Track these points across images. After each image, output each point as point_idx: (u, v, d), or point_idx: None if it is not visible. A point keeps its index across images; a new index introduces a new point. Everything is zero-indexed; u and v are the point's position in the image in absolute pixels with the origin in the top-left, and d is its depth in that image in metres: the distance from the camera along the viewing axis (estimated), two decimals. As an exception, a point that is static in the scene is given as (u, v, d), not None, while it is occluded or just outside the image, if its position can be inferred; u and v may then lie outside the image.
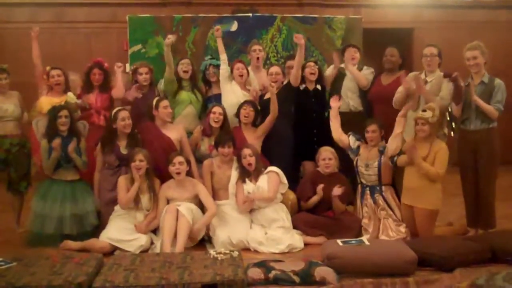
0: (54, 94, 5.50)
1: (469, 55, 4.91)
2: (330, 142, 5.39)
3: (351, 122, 5.55)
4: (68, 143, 5.03)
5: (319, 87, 5.73)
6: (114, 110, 5.19)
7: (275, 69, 5.62)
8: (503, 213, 5.19)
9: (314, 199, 5.11)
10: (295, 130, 5.56)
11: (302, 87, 5.66)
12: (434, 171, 4.73)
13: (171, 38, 5.61)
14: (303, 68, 5.64)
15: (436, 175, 4.74)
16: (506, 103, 4.88)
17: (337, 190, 4.99)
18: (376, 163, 5.11)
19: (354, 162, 5.26)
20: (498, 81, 4.88)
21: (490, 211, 4.92)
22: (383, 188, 5.13)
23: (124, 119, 5.10)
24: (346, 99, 5.76)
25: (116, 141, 5.17)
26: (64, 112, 5.05)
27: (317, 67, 5.70)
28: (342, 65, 5.88)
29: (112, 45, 8.16)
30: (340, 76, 5.86)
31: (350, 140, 5.28)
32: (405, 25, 9.11)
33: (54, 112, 5.06)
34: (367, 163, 5.15)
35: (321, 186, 5.05)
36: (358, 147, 5.25)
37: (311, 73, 5.63)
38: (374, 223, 5.01)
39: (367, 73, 5.81)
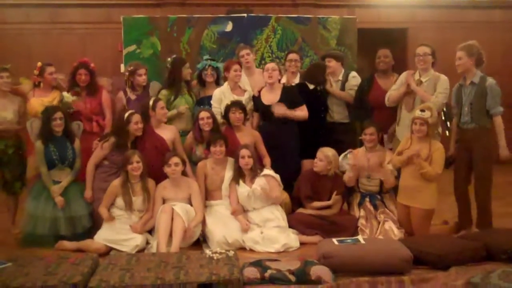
0: (42, 93, 5.45)
1: (458, 55, 4.94)
2: (333, 142, 5.45)
3: (338, 133, 5.64)
4: (63, 144, 5.05)
5: (322, 87, 5.74)
6: (127, 114, 5.13)
7: (271, 65, 5.55)
8: (498, 211, 5.20)
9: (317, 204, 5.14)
10: (301, 130, 5.53)
11: (311, 86, 5.66)
12: (435, 174, 4.75)
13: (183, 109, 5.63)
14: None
15: (436, 176, 4.77)
16: (502, 102, 4.89)
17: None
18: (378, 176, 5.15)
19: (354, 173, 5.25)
20: (489, 81, 4.87)
21: (486, 210, 4.93)
22: (384, 195, 5.19)
23: (137, 123, 5.10)
24: (332, 112, 5.79)
25: (127, 141, 5.17)
26: (59, 114, 5.04)
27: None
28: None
29: (106, 46, 8.14)
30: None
31: (341, 164, 5.31)
32: (400, 25, 9.13)
33: (48, 114, 5.04)
34: (369, 175, 5.17)
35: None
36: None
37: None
38: (371, 224, 5.00)
39: (352, 84, 5.80)
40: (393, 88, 5.35)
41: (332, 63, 5.80)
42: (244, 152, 5.07)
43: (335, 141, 5.53)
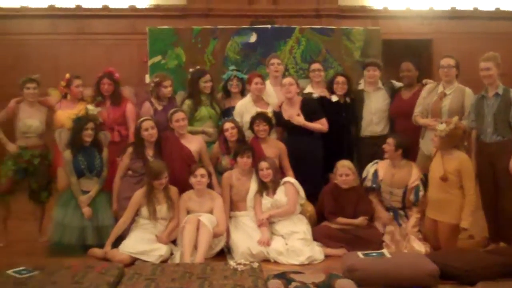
0: (69, 105, 5.52)
1: (482, 66, 4.88)
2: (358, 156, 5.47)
3: (374, 146, 5.56)
4: (91, 154, 5.14)
5: (348, 99, 5.75)
6: (139, 121, 5.25)
7: (287, 80, 5.56)
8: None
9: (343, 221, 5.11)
10: (326, 144, 5.53)
11: (334, 99, 5.65)
12: (474, 197, 4.75)
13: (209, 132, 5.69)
14: (332, 81, 5.66)
15: (474, 197, 4.75)
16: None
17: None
18: (401, 192, 5.10)
19: (377, 187, 5.23)
20: None
21: (512, 224, 4.87)
22: (408, 211, 5.13)
23: (147, 129, 5.16)
24: (369, 125, 5.72)
25: (144, 149, 5.22)
26: (91, 125, 5.12)
27: (346, 80, 5.69)
28: (361, 87, 5.86)
29: (132, 57, 8.21)
30: (360, 98, 5.79)
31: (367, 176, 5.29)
32: (424, 36, 9.06)
33: (80, 124, 5.11)
34: (391, 191, 5.13)
35: None
36: (375, 172, 5.23)
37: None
38: (397, 240, 4.96)
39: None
40: (417, 111, 5.33)
41: (376, 72, 5.76)
42: (262, 164, 5.09)
43: (370, 154, 5.52)
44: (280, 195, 5.09)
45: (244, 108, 5.58)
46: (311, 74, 5.96)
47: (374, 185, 5.21)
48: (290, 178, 5.18)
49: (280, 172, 5.26)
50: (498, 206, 4.87)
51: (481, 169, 4.94)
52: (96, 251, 4.89)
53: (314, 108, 5.53)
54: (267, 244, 4.84)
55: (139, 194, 4.98)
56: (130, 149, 5.24)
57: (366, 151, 5.67)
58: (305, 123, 5.42)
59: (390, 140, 5.13)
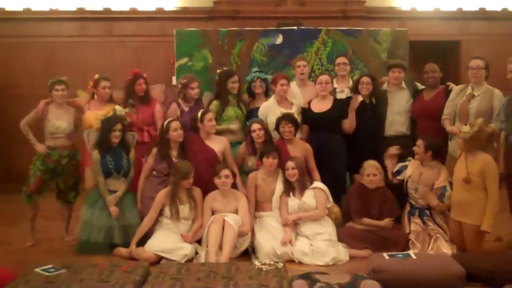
0: (97, 106, 5.58)
1: (509, 68, 4.83)
2: (381, 156, 5.42)
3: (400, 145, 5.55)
4: (118, 154, 5.20)
5: (373, 100, 5.72)
6: (166, 121, 5.31)
7: (324, 77, 5.57)
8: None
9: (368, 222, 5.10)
10: (351, 144, 5.53)
11: (359, 99, 5.64)
12: (497, 199, 4.69)
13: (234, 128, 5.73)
14: (358, 81, 5.65)
15: (497, 199, 4.69)
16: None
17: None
18: (427, 190, 5.07)
19: (404, 183, 5.22)
20: None
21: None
22: (433, 211, 5.09)
23: (176, 130, 5.21)
24: (393, 125, 5.68)
25: (169, 150, 5.26)
26: (118, 126, 5.18)
27: (371, 81, 5.65)
28: (385, 87, 5.82)
29: (159, 59, 8.30)
30: (383, 98, 5.76)
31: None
32: (452, 38, 8.97)
33: (109, 125, 5.18)
34: (417, 187, 5.10)
35: None
36: (405, 167, 5.26)
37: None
38: (423, 239, 4.93)
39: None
40: (445, 114, 5.31)
41: (401, 74, 5.72)
42: (288, 164, 5.09)
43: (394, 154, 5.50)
44: (309, 198, 5.09)
45: (269, 109, 5.59)
46: (336, 68, 5.96)
47: (398, 176, 5.28)
48: (321, 184, 5.18)
49: (306, 173, 5.25)
50: None
51: (509, 171, 4.87)
52: (122, 250, 4.95)
53: (345, 107, 5.54)
54: (290, 243, 4.84)
55: (163, 194, 5.02)
56: (154, 150, 5.29)
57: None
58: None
59: (420, 142, 5.10)
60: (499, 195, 4.78)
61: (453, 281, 3.97)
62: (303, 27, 7.26)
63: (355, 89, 5.68)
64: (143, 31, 8.68)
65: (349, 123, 5.50)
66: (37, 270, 4.08)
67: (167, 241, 4.82)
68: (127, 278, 3.89)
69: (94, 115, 5.46)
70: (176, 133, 5.22)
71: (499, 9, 9.05)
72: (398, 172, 5.30)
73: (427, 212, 5.11)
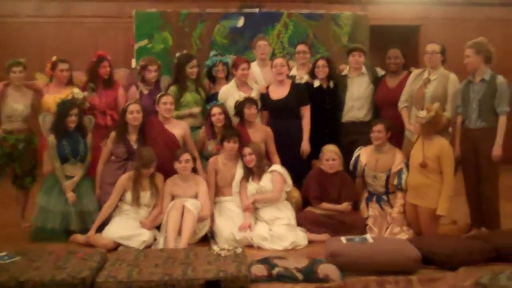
0: (56, 89, 5.45)
1: (466, 53, 4.90)
2: (339, 142, 5.43)
3: (356, 132, 5.56)
4: (75, 139, 5.11)
5: (331, 84, 5.69)
6: (126, 104, 5.23)
7: (279, 61, 5.54)
8: (508, 212, 5.15)
9: (327, 206, 5.13)
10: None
11: (316, 84, 5.63)
12: (452, 183, 4.77)
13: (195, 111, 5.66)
14: (314, 65, 5.63)
15: (452, 183, 4.77)
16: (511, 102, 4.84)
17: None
18: (384, 176, 5.11)
19: (360, 172, 5.25)
20: (500, 80, 4.82)
21: (494, 211, 4.88)
22: (390, 196, 5.14)
23: (132, 112, 5.13)
24: (351, 110, 5.67)
25: (127, 134, 5.19)
26: (75, 111, 5.07)
27: (327, 63, 5.62)
28: (345, 72, 5.80)
29: (118, 40, 8.13)
30: (342, 83, 5.73)
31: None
32: (412, 22, 9.05)
33: (64, 109, 5.06)
34: (375, 175, 5.14)
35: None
36: (357, 156, 5.27)
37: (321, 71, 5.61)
38: (380, 224, 4.98)
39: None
40: (402, 100, 5.36)
41: (361, 58, 5.69)
42: (245, 150, 5.08)
43: (351, 141, 5.53)
44: (266, 181, 5.08)
45: (228, 93, 5.55)
46: (296, 56, 5.91)
47: (355, 170, 5.27)
48: (278, 167, 5.17)
49: (265, 157, 5.25)
50: (480, 192, 4.90)
51: (465, 155, 4.96)
52: (78, 237, 4.87)
53: (303, 92, 5.53)
54: (248, 229, 4.84)
55: (124, 179, 4.96)
56: (113, 134, 5.21)
57: (346, 136, 5.64)
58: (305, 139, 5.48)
59: (380, 127, 5.11)
60: (455, 180, 4.87)
61: (409, 264, 4.03)
62: (264, 10, 7.23)
63: (312, 73, 5.67)
64: (102, 11, 8.48)
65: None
66: (-9, 257, 3.99)
67: (126, 228, 4.76)
68: (83, 265, 3.84)
69: (53, 98, 5.33)
70: (132, 116, 5.13)
71: (458, -6, 9.17)
72: (355, 166, 5.30)
73: (385, 197, 5.16)
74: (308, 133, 5.47)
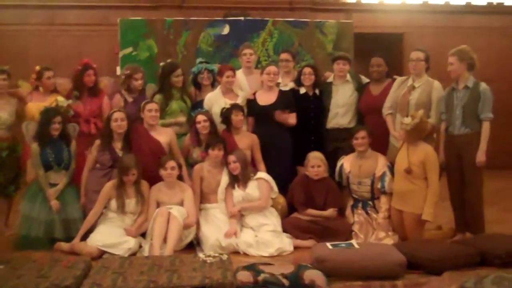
0: (40, 97, 5.43)
1: (450, 60, 4.97)
2: (324, 148, 5.45)
3: (340, 139, 5.57)
4: (59, 146, 5.07)
5: (317, 91, 5.73)
6: (110, 112, 5.20)
7: (272, 68, 5.57)
8: (492, 217, 5.20)
9: (312, 212, 5.13)
10: (293, 135, 5.55)
11: (302, 91, 5.66)
12: (437, 189, 4.82)
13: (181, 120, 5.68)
14: (300, 72, 5.66)
15: (438, 189, 4.82)
16: (494, 109, 4.89)
17: None
18: (369, 181, 5.13)
19: (345, 180, 5.28)
20: (483, 87, 4.88)
21: (478, 215, 4.93)
22: (376, 202, 5.16)
23: (117, 120, 5.10)
24: (336, 117, 5.68)
25: (112, 142, 5.16)
26: (58, 119, 5.04)
27: (313, 71, 5.66)
28: (330, 79, 5.82)
29: (102, 48, 8.11)
30: (327, 90, 5.75)
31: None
32: (396, 30, 9.15)
33: (47, 117, 5.03)
34: (360, 181, 5.16)
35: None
36: (341, 165, 5.30)
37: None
38: (366, 229, 5.00)
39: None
40: (386, 106, 5.37)
41: (346, 66, 5.72)
42: (230, 158, 5.08)
43: (336, 147, 5.56)
44: (253, 189, 5.08)
45: (214, 100, 5.55)
46: (279, 64, 5.93)
47: (340, 180, 5.31)
48: (264, 174, 5.18)
49: (250, 164, 5.25)
50: (464, 197, 4.95)
51: (449, 161, 5.01)
52: (63, 245, 4.82)
53: (290, 99, 5.56)
54: (234, 235, 4.83)
55: (109, 186, 4.93)
56: (98, 141, 5.19)
57: (330, 143, 5.65)
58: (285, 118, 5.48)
59: (363, 133, 5.14)
60: (439, 185, 4.90)
61: (394, 269, 4.04)
62: (250, 18, 7.24)
63: (298, 81, 5.70)
64: (86, 19, 8.50)
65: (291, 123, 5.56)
66: (-27, 266, 3.94)
67: (111, 236, 4.73)
68: (67, 273, 3.80)
69: (37, 106, 5.30)
70: (116, 123, 5.10)
71: (442, 2, 9.27)
72: (340, 175, 5.33)
73: (370, 203, 5.18)
74: None
